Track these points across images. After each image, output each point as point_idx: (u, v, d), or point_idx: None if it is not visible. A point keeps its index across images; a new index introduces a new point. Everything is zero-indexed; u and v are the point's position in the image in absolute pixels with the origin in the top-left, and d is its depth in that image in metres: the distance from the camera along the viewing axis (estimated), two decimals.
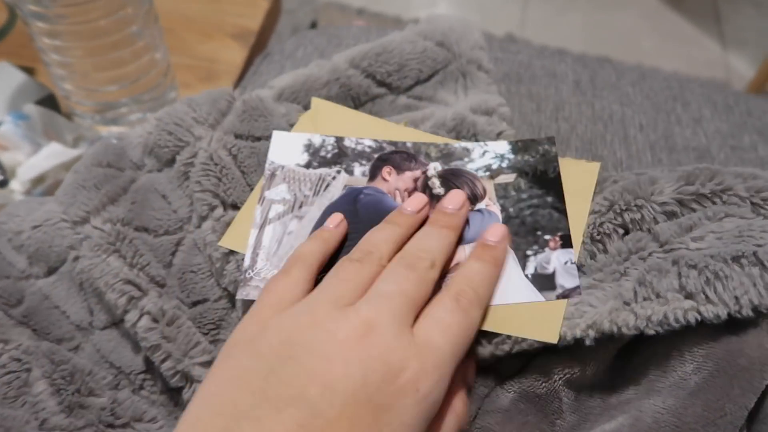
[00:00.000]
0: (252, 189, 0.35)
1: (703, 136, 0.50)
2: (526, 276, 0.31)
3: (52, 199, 0.33)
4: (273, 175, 0.35)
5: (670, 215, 0.29)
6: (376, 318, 0.24)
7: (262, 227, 0.34)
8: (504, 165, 0.36)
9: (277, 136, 0.37)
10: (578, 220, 0.32)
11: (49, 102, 0.52)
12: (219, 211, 0.33)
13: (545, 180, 0.35)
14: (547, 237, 0.33)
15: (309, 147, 0.37)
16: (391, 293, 0.25)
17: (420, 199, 0.32)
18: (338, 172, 0.36)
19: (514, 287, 0.31)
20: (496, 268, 0.30)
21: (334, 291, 0.26)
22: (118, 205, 0.33)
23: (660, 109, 0.51)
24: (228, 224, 0.33)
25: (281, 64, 0.55)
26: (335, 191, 0.35)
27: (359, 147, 0.37)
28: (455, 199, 0.32)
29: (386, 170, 0.36)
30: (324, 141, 0.37)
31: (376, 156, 0.36)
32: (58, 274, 0.32)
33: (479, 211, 0.34)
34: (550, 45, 1.57)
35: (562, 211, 0.33)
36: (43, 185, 0.47)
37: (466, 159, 0.36)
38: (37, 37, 0.47)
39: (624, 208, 0.29)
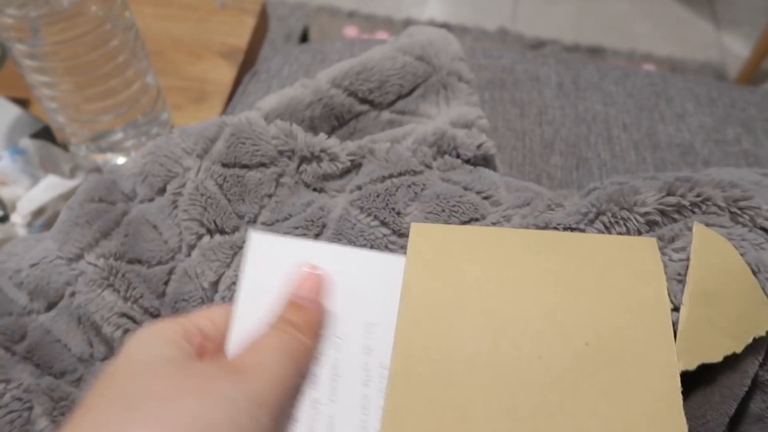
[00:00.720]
0: (239, 216, 0.36)
1: (687, 132, 0.50)
2: None
3: (49, 236, 0.34)
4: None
5: (652, 224, 0.29)
6: None
7: None
8: None
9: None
10: (659, 313, 0.27)
11: (45, 134, 0.54)
12: (206, 239, 0.34)
13: None
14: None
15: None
16: None
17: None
18: None
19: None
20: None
21: None
22: (111, 239, 0.35)
23: (643, 107, 0.52)
24: (214, 250, 0.34)
25: (268, 83, 0.56)
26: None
27: None
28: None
29: None
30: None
31: None
32: (58, 309, 0.34)
33: None
34: (543, 36, 1.56)
35: None
36: (43, 217, 0.48)
37: None
38: (27, 73, 0.48)
39: (612, 220, 0.30)
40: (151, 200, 0.38)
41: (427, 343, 0.28)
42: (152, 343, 0.24)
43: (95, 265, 0.33)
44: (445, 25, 1.51)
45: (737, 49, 1.51)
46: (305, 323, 0.26)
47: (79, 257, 0.34)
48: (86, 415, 0.21)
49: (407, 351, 0.28)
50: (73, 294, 0.33)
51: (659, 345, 0.26)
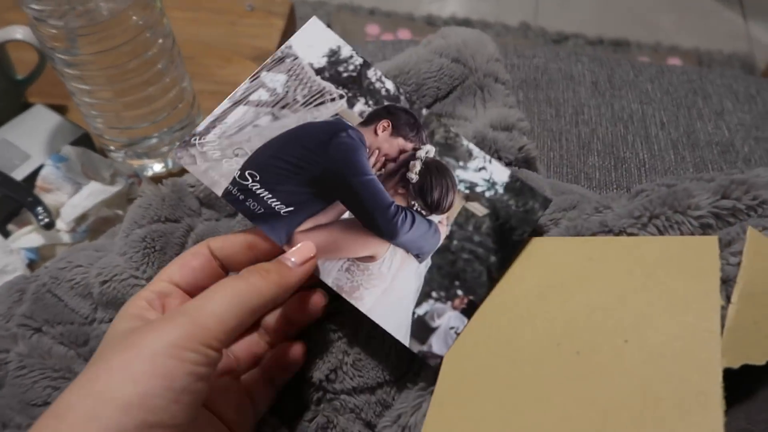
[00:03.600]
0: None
1: (726, 130, 0.50)
2: (413, 314, 0.30)
3: (116, 251, 0.35)
4: (282, 60, 0.33)
5: (706, 228, 0.29)
6: None
7: (236, 104, 0.32)
8: (487, 194, 0.33)
9: (314, 25, 0.34)
10: (707, 310, 0.27)
11: (84, 141, 0.54)
12: None
13: (506, 239, 0.32)
14: (459, 292, 0.31)
15: (333, 54, 0.34)
16: None
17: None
18: (341, 96, 0.33)
19: (395, 317, 0.30)
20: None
21: None
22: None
23: (680, 105, 0.51)
24: None
25: None
26: (324, 113, 0.33)
27: (378, 85, 0.34)
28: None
29: (383, 124, 0.33)
30: (351, 57, 0.34)
31: (385, 103, 0.34)
32: None
33: (429, 222, 0.32)
34: (566, 30, 1.55)
35: (493, 280, 0.31)
36: (86, 223, 0.49)
37: (461, 162, 0.33)
38: (67, 81, 0.49)
39: (666, 224, 0.29)
40: (217, 220, 0.38)
41: (476, 338, 0.30)
42: (118, 325, 0.27)
43: None
44: (466, 22, 1.50)
45: (766, 39, 1.48)
46: (274, 271, 0.28)
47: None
48: None
49: (458, 342, 0.30)
50: None
51: (704, 343, 0.26)
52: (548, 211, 0.34)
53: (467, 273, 0.31)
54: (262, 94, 0.32)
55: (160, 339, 0.23)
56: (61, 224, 0.49)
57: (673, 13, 1.55)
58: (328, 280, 0.30)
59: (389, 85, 0.34)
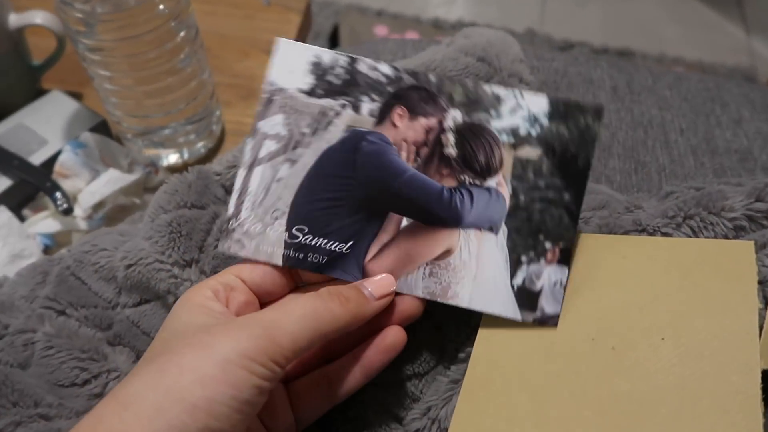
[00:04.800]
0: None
1: (744, 138, 0.50)
2: (513, 287, 0.29)
3: (141, 235, 0.35)
4: (270, 101, 0.31)
5: (739, 230, 0.29)
6: None
7: (251, 167, 0.30)
8: (533, 132, 0.30)
9: (283, 47, 0.31)
10: (745, 311, 0.27)
11: (101, 128, 0.54)
12: None
13: (572, 168, 0.30)
14: (547, 245, 0.29)
15: (316, 67, 0.31)
16: None
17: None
18: (343, 106, 0.31)
19: (497, 297, 0.29)
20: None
21: None
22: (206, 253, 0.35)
23: (699, 112, 0.52)
24: None
25: None
26: (336, 132, 0.30)
27: (374, 74, 0.31)
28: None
29: (398, 112, 0.31)
30: (336, 60, 0.31)
31: (390, 90, 0.31)
32: (151, 305, 0.34)
33: (488, 189, 0.30)
34: (571, 38, 1.56)
35: (575, 217, 0.29)
36: (103, 210, 0.49)
37: (492, 112, 0.30)
38: (89, 66, 0.49)
39: (701, 225, 0.30)
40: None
41: (508, 332, 0.30)
42: (182, 312, 0.27)
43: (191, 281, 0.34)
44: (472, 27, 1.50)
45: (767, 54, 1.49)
46: (353, 301, 0.27)
47: (183, 266, 0.34)
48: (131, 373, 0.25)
49: (489, 335, 0.30)
50: (176, 301, 0.33)
51: (742, 344, 0.27)
52: None
53: (547, 222, 0.29)
54: (269, 146, 0.30)
55: (233, 347, 0.23)
56: (78, 211, 0.48)
57: (678, 25, 1.56)
58: (418, 291, 0.30)
59: (385, 69, 0.31)
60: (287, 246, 0.30)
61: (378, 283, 0.28)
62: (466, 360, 0.30)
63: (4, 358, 0.30)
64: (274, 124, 0.31)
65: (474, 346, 0.30)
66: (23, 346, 0.31)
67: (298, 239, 0.30)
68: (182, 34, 0.49)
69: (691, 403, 0.25)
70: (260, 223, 0.30)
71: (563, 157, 0.30)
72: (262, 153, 0.30)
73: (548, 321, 0.29)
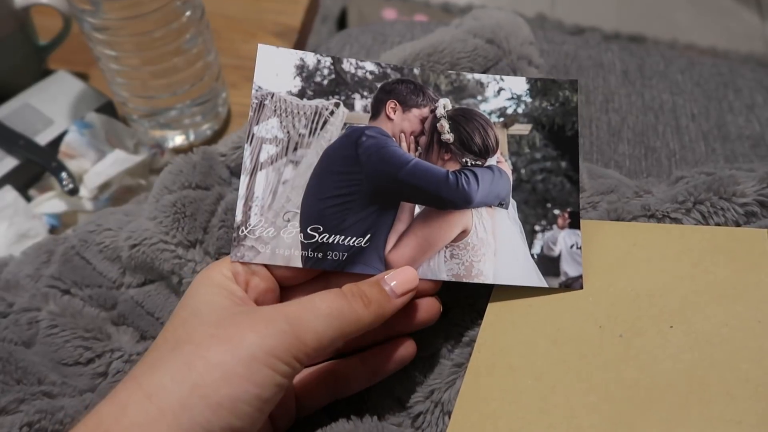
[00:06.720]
0: None
1: (757, 123, 0.49)
2: (533, 256, 0.30)
3: (145, 215, 0.35)
4: (262, 105, 0.31)
5: (750, 215, 0.29)
6: None
7: (253, 173, 0.30)
8: (520, 110, 0.32)
9: (264, 52, 0.31)
10: (756, 299, 0.27)
11: (107, 109, 0.54)
12: None
13: (562, 138, 0.32)
14: (556, 212, 0.31)
15: (302, 69, 0.31)
16: None
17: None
18: (336, 105, 0.31)
19: (520, 268, 0.30)
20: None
21: None
22: (210, 234, 0.35)
23: (711, 97, 0.51)
24: None
25: None
26: (334, 130, 0.31)
27: (360, 72, 0.32)
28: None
29: (390, 105, 0.32)
30: (319, 62, 0.32)
31: (378, 85, 0.32)
32: (155, 285, 0.34)
33: (490, 168, 0.31)
34: (582, 23, 1.53)
35: (575, 182, 0.31)
36: (109, 191, 0.49)
37: (479, 96, 0.32)
38: (95, 46, 0.48)
39: (711, 210, 0.29)
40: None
41: (515, 317, 0.30)
42: (202, 291, 0.26)
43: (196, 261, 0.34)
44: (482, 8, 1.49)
45: None
46: (375, 302, 0.27)
47: (187, 247, 0.34)
48: (150, 351, 0.25)
49: (496, 320, 0.30)
50: (180, 281, 0.33)
51: (753, 332, 0.26)
52: (586, 194, 0.34)
53: (551, 191, 0.31)
54: (269, 150, 0.30)
55: (260, 343, 0.23)
56: (83, 191, 0.48)
57: (691, 10, 1.53)
58: (442, 275, 0.30)
59: (369, 66, 0.32)
60: (304, 247, 0.29)
61: (401, 278, 0.28)
62: (470, 344, 0.30)
63: (8, 336, 0.31)
64: (269, 127, 0.31)
65: (480, 330, 0.30)
66: (28, 324, 0.31)
67: (315, 239, 0.30)
68: (188, 13, 0.48)
69: (699, 390, 0.25)
70: (273, 227, 0.30)
71: (551, 129, 0.32)
72: (263, 157, 0.30)
73: (573, 284, 0.30)
